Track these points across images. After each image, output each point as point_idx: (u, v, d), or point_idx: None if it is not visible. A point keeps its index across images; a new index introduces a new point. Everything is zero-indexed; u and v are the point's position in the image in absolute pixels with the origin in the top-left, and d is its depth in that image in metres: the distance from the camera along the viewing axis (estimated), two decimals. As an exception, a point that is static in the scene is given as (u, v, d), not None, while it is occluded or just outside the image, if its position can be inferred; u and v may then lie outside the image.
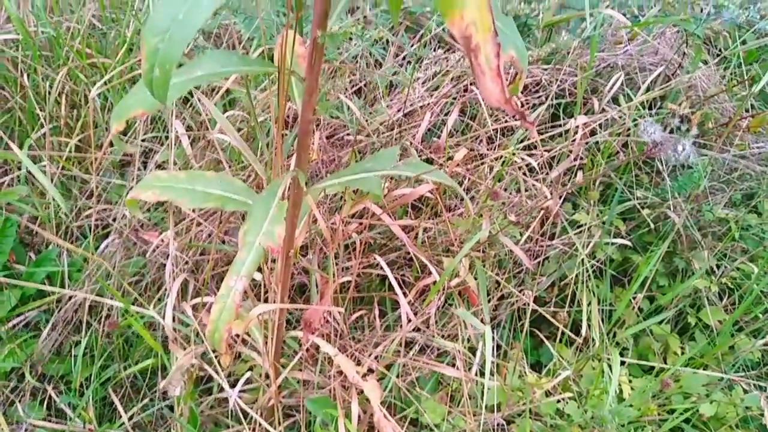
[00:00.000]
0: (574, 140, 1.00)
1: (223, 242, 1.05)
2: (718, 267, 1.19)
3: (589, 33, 0.97)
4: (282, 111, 0.62)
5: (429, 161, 0.99)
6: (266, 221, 0.62)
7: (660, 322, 1.14)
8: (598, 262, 1.16)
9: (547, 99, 1.07)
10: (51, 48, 1.33)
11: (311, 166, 1.03)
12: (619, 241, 1.14)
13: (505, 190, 1.03)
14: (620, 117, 1.07)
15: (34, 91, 1.27)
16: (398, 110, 1.08)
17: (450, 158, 0.98)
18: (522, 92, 1.21)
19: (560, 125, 1.08)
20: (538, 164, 0.99)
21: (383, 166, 0.74)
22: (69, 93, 1.27)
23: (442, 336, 0.92)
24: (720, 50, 1.45)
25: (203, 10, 0.41)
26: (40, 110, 1.27)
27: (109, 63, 1.27)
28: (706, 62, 1.42)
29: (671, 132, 0.87)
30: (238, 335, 0.81)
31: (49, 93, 1.24)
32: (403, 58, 1.16)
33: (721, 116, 1.36)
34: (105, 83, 1.09)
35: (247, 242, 0.61)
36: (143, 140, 1.21)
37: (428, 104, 1.13)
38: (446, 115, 1.02)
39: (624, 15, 1.14)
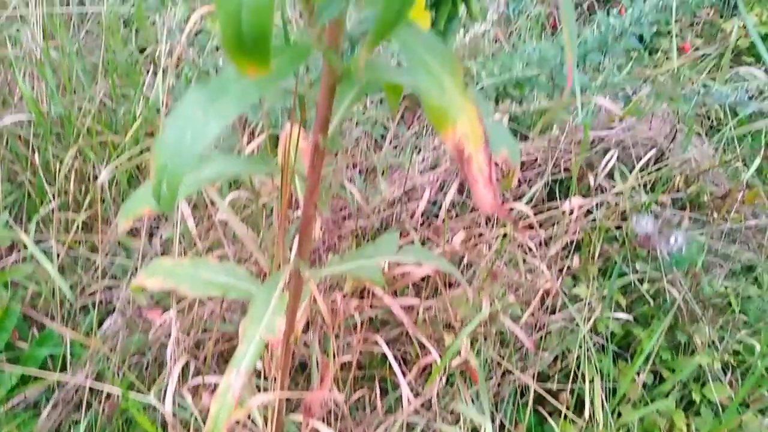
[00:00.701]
0: (571, 220, 1.02)
1: (224, 319, 1.06)
2: (720, 340, 1.18)
3: (582, 119, 1.01)
4: (284, 209, 0.64)
5: (429, 241, 1.01)
6: (267, 314, 0.63)
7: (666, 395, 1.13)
8: (599, 336, 1.15)
9: (543, 176, 1.10)
10: (62, 124, 1.37)
11: (312, 245, 1.05)
12: (621, 315, 1.14)
13: (505, 265, 1.04)
14: (616, 194, 1.09)
15: (44, 168, 1.31)
16: (399, 186, 1.11)
17: (449, 240, 1.00)
18: (520, 169, 1.23)
19: (557, 205, 1.10)
20: (536, 243, 1.01)
21: (383, 253, 0.75)
22: (78, 169, 1.31)
23: (443, 418, 0.91)
24: (712, 122, 1.49)
25: (210, 131, 0.43)
26: (49, 185, 1.31)
27: (119, 140, 1.31)
28: (699, 134, 1.46)
29: (665, 221, 0.89)
30: (237, 421, 0.81)
31: (59, 171, 1.28)
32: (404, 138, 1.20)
33: (716, 187, 1.39)
34: (114, 166, 1.12)
35: (247, 335, 0.62)
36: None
37: (427, 180, 1.16)
38: (445, 193, 1.04)
39: (617, 94, 1.18)
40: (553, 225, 1.05)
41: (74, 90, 1.39)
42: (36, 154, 1.29)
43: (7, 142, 1.36)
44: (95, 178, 1.32)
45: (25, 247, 1.21)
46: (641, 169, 1.13)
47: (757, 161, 1.12)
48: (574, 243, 1.14)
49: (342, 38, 0.51)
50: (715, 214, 1.31)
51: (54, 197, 1.28)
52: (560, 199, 1.23)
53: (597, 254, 1.18)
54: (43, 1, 1.31)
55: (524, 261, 1.02)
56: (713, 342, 1.17)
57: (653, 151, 1.13)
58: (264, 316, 0.63)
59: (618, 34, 0.96)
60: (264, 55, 0.37)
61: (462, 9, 0.56)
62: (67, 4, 1.46)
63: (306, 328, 1.04)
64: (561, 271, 1.11)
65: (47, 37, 1.35)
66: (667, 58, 1.65)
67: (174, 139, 0.44)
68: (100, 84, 1.37)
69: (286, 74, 0.48)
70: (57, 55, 1.39)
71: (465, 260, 1.01)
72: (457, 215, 1.21)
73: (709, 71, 1.62)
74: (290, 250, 0.84)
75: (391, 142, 1.13)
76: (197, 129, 0.43)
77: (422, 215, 1.10)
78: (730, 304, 1.22)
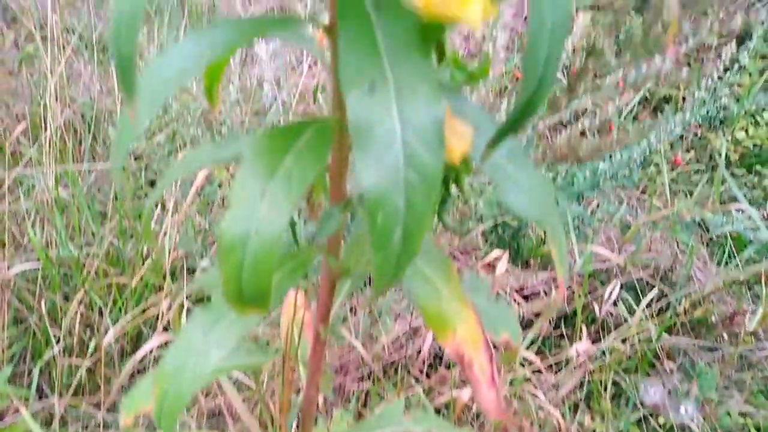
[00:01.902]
0: (578, 363, 1.01)
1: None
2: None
3: (580, 267, 1.02)
4: (287, 397, 0.64)
5: (433, 390, 0.99)
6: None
7: None
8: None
9: (546, 312, 1.10)
10: (70, 266, 1.40)
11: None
12: (638, 451, 1.10)
13: (515, 410, 1.02)
14: (623, 340, 1.08)
15: (50, 312, 1.31)
16: (402, 328, 1.10)
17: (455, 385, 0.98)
18: (524, 300, 1.23)
19: (564, 343, 1.09)
20: (545, 388, 0.99)
21: (389, 422, 0.74)
22: (83, 314, 1.31)
23: None
24: (711, 237, 1.50)
25: (210, 361, 0.44)
26: (55, 329, 1.31)
27: (125, 281, 1.32)
28: (700, 253, 1.46)
29: (673, 390, 0.88)
30: None
31: (65, 315, 1.28)
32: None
33: (723, 306, 1.38)
34: (121, 325, 1.13)
35: None
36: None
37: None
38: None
39: (614, 223, 1.20)
40: (561, 369, 1.03)
41: (83, 231, 1.42)
42: (42, 301, 1.30)
43: (14, 284, 1.37)
44: (101, 317, 1.32)
45: (27, 399, 1.20)
46: (647, 305, 1.13)
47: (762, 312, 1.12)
48: (585, 378, 1.12)
49: (341, 244, 0.53)
50: (725, 335, 1.30)
51: (59, 341, 1.28)
52: (566, 328, 1.23)
53: (608, 386, 1.16)
54: (56, 157, 1.37)
55: (535, 403, 1.00)
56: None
57: (654, 292, 1.13)
58: None
59: (609, 176, 0.99)
60: (263, 305, 0.38)
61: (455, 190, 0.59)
62: (81, 161, 1.53)
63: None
64: (573, 408, 1.09)
65: (58, 184, 1.40)
66: (659, 172, 1.69)
67: (175, 368, 0.44)
68: (108, 226, 1.41)
69: (288, 287, 0.49)
70: (67, 195, 1.44)
71: (473, 409, 0.99)
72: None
73: (703, 186, 1.66)
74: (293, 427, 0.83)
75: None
76: (198, 359, 0.44)
77: (428, 356, 1.09)
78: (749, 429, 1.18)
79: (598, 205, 1.27)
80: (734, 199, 1.73)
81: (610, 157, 1.02)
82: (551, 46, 0.32)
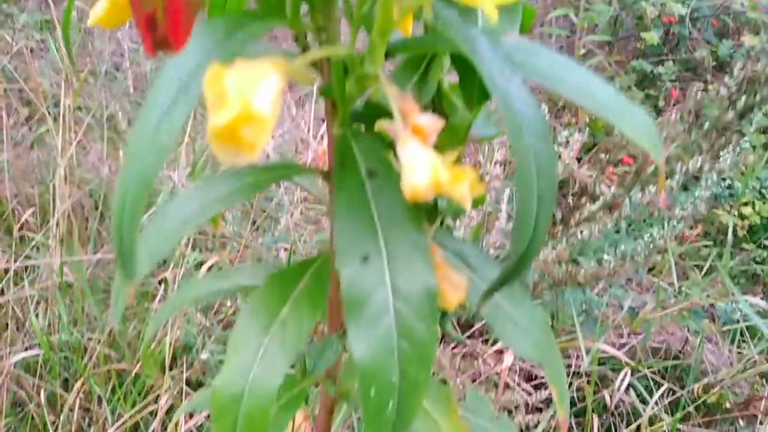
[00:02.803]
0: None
1: None
2: None
3: (587, 365, 1.00)
4: None
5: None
6: None
7: None
8: None
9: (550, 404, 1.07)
10: (71, 349, 1.38)
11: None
12: None
13: None
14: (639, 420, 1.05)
15: (50, 399, 1.30)
16: None
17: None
18: (530, 387, 1.20)
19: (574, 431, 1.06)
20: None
21: None
22: (83, 401, 1.29)
23: None
24: (724, 322, 1.47)
25: None
26: (53, 417, 1.29)
27: (126, 368, 1.30)
28: (711, 333, 1.43)
29: None
30: None
31: (64, 403, 1.26)
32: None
33: (738, 389, 1.34)
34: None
35: None
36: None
37: None
38: None
39: (622, 307, 1.18)
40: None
41: (86, 315, 1.42)
42: (42, 393, 1.28)
43: (14, 370, 1.36)
44: (99, 405, 1.30)
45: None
46: (658, 392, 1.10)
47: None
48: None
49: (339, 371, 0.52)
50: (741, 421, 1.26)
51: (57, 430, 1.25)
52: (575, 418, 1.19)
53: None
54: (62, 240, 1.38)
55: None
56: None
57: (668, 374, 1.11)
58: None
59: (613, 268, 0.99)
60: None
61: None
62: (87, 242, 1.54)
63: None
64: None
65: (62, 269, 1.40)
66: (666, 249, 1.68)
67: None
68: (114, 307, 1.40)
69: (286, 419, 0.49)
70: (71, 279, 1.44)
71: None
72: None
73: (712, 260, 1.64)
74: None
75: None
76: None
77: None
78: None
79: (604, 288, 1.26)
80: (744, 273, 1.72)
81: (615, 249, 1.02)
82: (540, 212, 0.32)
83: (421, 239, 0.32)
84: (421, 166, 0.26)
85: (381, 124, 0.29)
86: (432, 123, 0.27)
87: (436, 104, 0.34)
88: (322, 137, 1.79)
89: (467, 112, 0.32)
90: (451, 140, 0.33)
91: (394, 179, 0.32)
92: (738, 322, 1.19)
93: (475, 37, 0.29)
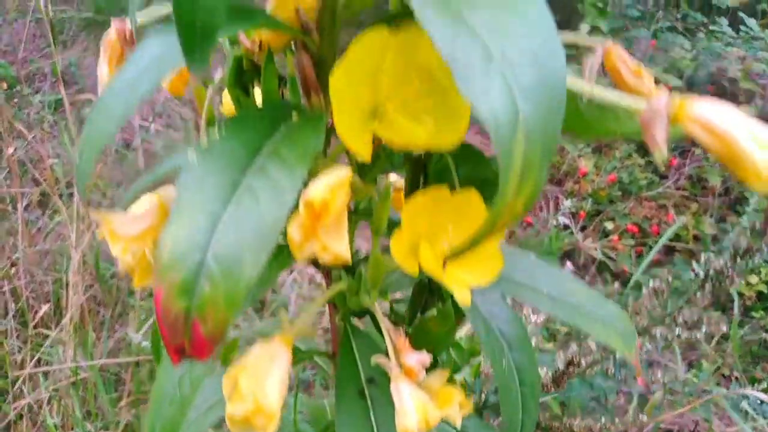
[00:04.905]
0: None
1: None
2: None
3: None
4: None
5: None
6: None
7: None
8: None
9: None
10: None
11: None
12: None
13: None
14: None
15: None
16: None
17: None
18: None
19: None
20: None
21: None
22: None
23: None
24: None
25: None
26: None
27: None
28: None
29: None
30: None
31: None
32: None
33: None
34: None
35: None
36: None
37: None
38: None
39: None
40: None
41: (99, 408, 1.43)
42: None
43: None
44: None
45: None
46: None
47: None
48: None
49: None
50: None
51: None
52: None
53: None
54: (75, 331, 1.40)
55: None
56: None
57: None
58: None
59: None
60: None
61: None
62: (100, 330, 1.56)
63: None
64: None
65: (76, 359, 1.42)
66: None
67: None
68: (125, 400, 1.41)
69: None
70: (84, 374, 1.45)
71: None
72: None
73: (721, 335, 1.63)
74: None
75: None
76: None
77: None
78: None
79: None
80: (760, 343, 1.71)
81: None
82: (525, 418, 0.34)
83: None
84: (411, 410, 0.28)
85: (376, 358, 0.31)
86: (421, 362, 0.30)
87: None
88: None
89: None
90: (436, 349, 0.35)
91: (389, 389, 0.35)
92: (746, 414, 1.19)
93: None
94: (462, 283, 0.27)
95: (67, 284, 1.51)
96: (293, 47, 0.29)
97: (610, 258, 1.87)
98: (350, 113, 0.24)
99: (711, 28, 2.42)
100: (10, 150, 1.79)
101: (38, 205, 2.14)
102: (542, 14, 0.20)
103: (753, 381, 1.68)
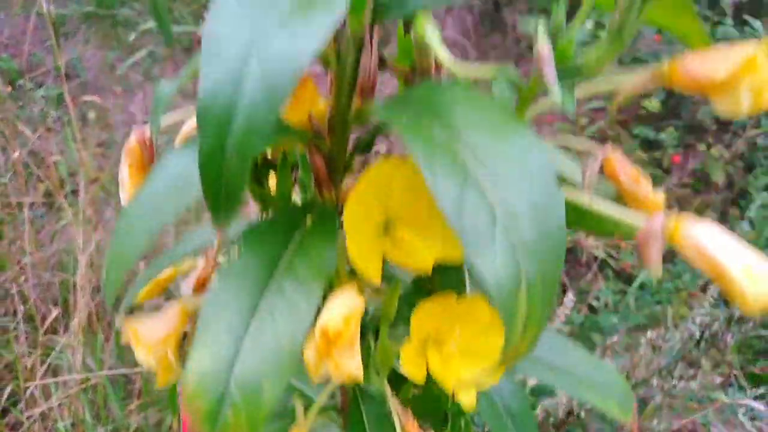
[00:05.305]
0: None
1: None
2: None
3: None
4: None
5: None
6: None
7: None
8: None
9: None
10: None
11: None
12: None
13: None
14: None
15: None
16: None
17: None
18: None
19: None
20: None
21: None
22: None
23: None
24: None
25: None
26: None
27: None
28: None
29: None
30: None
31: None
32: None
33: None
34: None
35: None
36: None
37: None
38: None
39: None
40: None
41: (109, 411, 1.45)
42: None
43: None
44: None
45: None
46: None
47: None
48: None
49: None
50: None
51: None
52: None
53: None
54: (84, 336, 1.42)
55: None
56: None
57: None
58: None
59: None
60: None
61: None
62: (109, 332, 1.58)
63: None
64: None
65: (86, 364, 1.45)
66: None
67: None
68: (135, 403, 1.44)
69: None
70: (94, 379, 1.48)
71: None
72: None
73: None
74: None
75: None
76: None
77: None
78: None
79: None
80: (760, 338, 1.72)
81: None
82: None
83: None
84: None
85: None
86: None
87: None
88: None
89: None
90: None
91: None
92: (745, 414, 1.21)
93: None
94: (468, 385, 0.28)
95: (74, 286, 1.52)
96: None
97: (611, 256, 1.88)
98: (360, 239, 0.25)
99: (716, 19, 2.40)
100: (16, 154, 1.80)
101: (43, 205, 2.15)
102: (541, 161, 0.22)
103: (752, 378, 1.70)
